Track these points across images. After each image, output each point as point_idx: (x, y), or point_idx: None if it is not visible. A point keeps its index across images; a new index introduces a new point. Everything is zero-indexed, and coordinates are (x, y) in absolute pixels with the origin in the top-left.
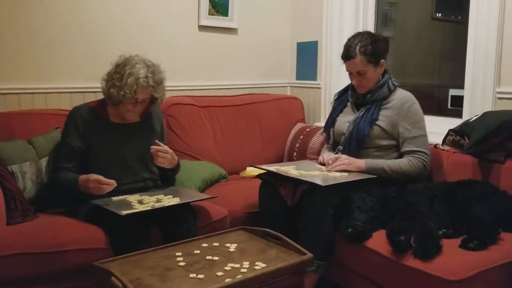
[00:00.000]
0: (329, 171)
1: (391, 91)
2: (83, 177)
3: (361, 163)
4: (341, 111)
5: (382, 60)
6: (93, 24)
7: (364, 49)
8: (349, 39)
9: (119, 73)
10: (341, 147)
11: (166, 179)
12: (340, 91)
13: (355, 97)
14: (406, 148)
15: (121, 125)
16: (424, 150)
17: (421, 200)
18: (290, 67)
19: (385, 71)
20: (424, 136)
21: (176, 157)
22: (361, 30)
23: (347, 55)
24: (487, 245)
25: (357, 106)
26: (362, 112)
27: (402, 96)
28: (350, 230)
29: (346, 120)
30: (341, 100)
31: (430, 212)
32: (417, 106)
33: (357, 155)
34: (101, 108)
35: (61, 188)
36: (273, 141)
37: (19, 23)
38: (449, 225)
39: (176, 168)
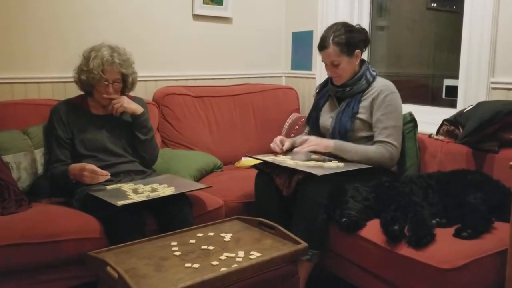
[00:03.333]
0: (324, 161)
1: (369, 82)
2: (76, 165)
3: (330, 142)
4: (323, 105)
5: (357, 51)
6: (87, 14)
7: (337, 39)
8: (325, 30)
9: (86, 59)
10: None
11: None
12: (321, 84)
13: (335, 90)
14: (376, 137)
15: (102, 116)
16: (392, 142)
17: (414, 190)
18: (285, 57)
19: (363, 62)
20: (395, 127)
21: (136, 105)
22: (356, 20)
23: (321, 45)
24: (480, 234)
25: (338, 99)
26: (343, 107)
27: (380, 85)
28: (344, 219)
29: (329, 116)
30: (323, 93)
31: (424, 201)
32: (394, 96)
33: None
34: (82, 101)
35: (56, 183)
36: (268, 131)
37: (9, 12)
38: (442, 214)
39: (141, 115)
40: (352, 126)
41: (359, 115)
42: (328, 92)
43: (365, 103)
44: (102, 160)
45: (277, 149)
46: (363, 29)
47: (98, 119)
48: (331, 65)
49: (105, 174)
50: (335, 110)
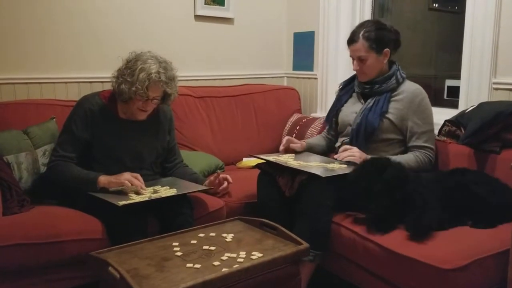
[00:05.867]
0: (328, 162)
1: (399, 83)
2: (111, 177)
3: (368, 157)
4: (346, 101)
5: (386, 49)
6: (87, 15)
7: (367, 35)
8: (356, 26)
9: (130, 69)
10: (346, 139)
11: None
12: (346, 81)
13: (362, 87)
14: (414, 143)
15: (128, 122)
16: (432, 146)
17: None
18: (286, 58)
19: (393, 62)
20: (432, 131)
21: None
22: (358, 21)
23: (350, 39)
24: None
25: (364, 97)
26: (371, 104)
27: (412, 89)
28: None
29: (352, 111)
30: (347, 90)
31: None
32: (427, 100)
33: (364, 148)
34: (111, 101)
35: (62, 178)
36: (270, 131)
37: (17, 14)
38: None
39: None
40: (380, 125)
41: (388, 115)
42: (352, 89)
43: (396, 104)
44: (117, 170)
45: (281, 147)
46: (396, 30)
47: (124, 124)
48: (358, 60)
49: (143, 187)
50: (360, 106)
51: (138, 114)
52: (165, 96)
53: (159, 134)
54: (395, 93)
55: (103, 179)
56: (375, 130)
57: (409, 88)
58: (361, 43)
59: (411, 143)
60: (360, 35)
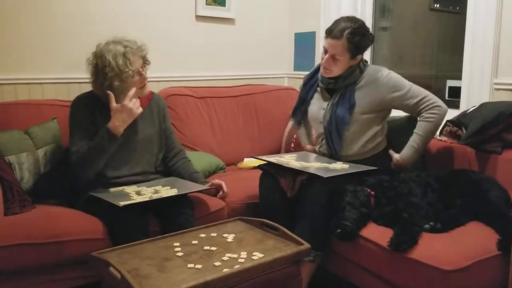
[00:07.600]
0: (329, 163)
1: (362, 71)
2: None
3: (403, 162)
4: (312, 97)
5: (359, 56)
6: (89, 15)
7: (352, 36)
8: (343, 18)
9: (107, 67)
10: (322, 138)
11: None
12: (309, 75)
13: (327, 82)
14: (415, 109)
15: None
16: (425, 94)
17: (414, 189)
18: (287, 58)
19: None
20: (412, 85)
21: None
22: None
23: (333, 32)
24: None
25: (329, 91)
26: (337, 99)
27: (370, 71)
28: (339, 230)
29: (320, 107)
30: (311, 84)
31: (423, 200)
32: (387, 71)
33: (340, 142)
34: (105, 95)
35: (90, 162)
36: (271, 132)
37: (19, 15)
38: (440, 215)
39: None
40: (350, 118)
41: (357, 106)
42: (316, 83)
43: (361, 92)
44: (114, 169)
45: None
46: (373, 36)
47: None
48: (330, 57)
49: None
50: (327, 101)
51: (143, 92)
52: (145, 62)
53: (155, 122)
54: (358, 81)
55: (112, 125)
56: (345, 125)
57: (368, 72)
58: (341, 43)
59: (415, 113)
60: (345, 33)
